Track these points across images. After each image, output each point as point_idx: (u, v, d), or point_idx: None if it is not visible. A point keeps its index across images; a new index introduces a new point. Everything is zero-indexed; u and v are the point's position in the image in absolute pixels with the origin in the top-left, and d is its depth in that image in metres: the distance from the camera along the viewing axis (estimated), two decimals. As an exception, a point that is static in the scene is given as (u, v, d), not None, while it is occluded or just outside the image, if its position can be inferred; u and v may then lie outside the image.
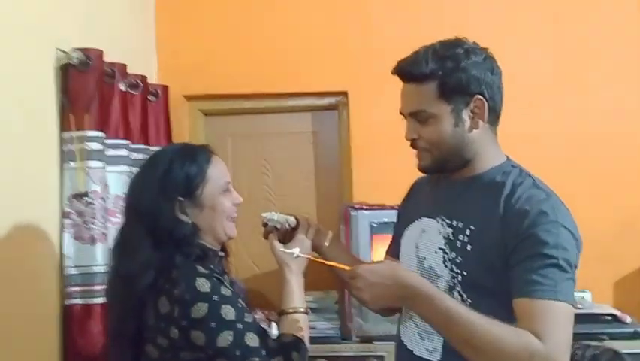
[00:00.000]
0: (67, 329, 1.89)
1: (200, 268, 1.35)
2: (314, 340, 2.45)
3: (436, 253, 1.38)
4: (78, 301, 1.90)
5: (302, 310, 1.46)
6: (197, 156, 1.45)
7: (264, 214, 1.55)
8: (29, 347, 1.76)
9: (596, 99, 2.82)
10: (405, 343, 1.45)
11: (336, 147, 3.07)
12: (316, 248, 1.62)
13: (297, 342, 1.39)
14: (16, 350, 1.68)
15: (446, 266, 1.35)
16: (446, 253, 1.36)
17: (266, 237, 1.59)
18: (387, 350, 2.42)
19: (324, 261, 1.40)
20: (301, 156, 3.10)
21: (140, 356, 1.37)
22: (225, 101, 3.05)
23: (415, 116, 1.37)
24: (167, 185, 1.39)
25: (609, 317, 2.47)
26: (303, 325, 1.44)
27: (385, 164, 2.78)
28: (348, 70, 2.91)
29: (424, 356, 1.39)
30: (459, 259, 1.33)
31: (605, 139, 2.81)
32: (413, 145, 1.40)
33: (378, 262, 1.32)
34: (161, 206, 1.37)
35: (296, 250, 1.44)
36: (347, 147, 2.96)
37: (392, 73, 1.39)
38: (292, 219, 1.58)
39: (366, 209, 2.56)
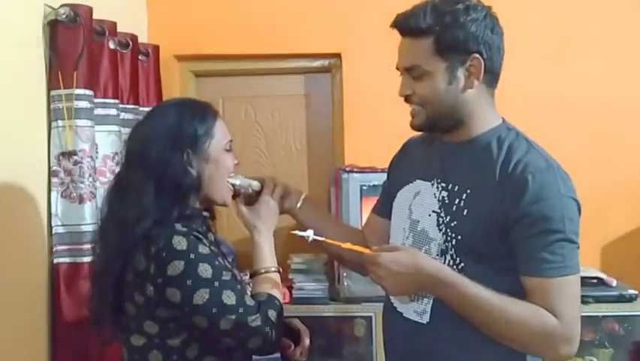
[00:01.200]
0: (56, 288, 1.90)
1: (178, 226, 1.34)
2: (303, 300, 2.56)
3: (429, 215, 1.37)
4: (66, 259, 1.90)
5: (273, 269, 1.47)
6: (205, 112, 1.46)
7: (227, 179, 1.52)
8: (18, 305, 1.77)
9: (591, 64, 2.81)
10: (394, 305, 1.46)
11: (328, 109, 3.05)
12: (288, 210, 1.60)
13: (272, 300, 1.39)
14: (5, 308, 1.69)
15: (440, 230, 1.35)
16: (441, 217, 1.35)
17: (233, 198, 1.56)
18: (374, 310, 2.45)
19: (340, 244, 1.34)
20: (293, 119, 3.09)
21: (119, 309, 1.38)
22: (217, 63, 3.02)
23: (410, 71, 1.33)
24: (178, 136, 1.40)
25: (595, 280, 2.50)
26: (276, 283, 1.45)
27: (378, 127, 2.77)
28: (342, 31, 2.88)
29: (412, 318, 1.40)
30: (454, 223, 1.33)
31: (600, 103, 2.81)
32: (407, 101, 1.37)
33: (398, 250, 1.29)
34: (171, 156, 1.38)
35: (309, 233, 1.39)
36: (340, 110, 2.95)
37: (390, 26, 1.35)
38: (255, 183, 1.55)
39: (356, 172, 2.56)
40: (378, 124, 2.79)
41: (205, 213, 1.49)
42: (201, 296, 1.29)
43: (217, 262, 1.35)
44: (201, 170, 1.42)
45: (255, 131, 3.09)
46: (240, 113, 3.09)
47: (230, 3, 2.90)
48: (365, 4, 2.85)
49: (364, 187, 2.50)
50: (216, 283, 1.30)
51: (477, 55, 1.29)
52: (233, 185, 1.51)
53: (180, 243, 1.30)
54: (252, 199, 1.56)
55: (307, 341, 1.60)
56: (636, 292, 2.47)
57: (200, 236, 1.37)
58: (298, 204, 1.61)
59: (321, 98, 3.08)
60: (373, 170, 2.53)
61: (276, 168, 3.07)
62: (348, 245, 1.35)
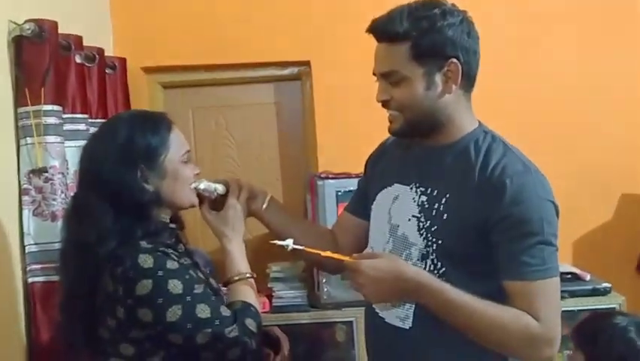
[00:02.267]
0: (31, 307, 1.86)
1: (143, 244, 1.31)
2: (282, 309, 2.55)
3: (409, 220, 1.37)
4: (40, 278, 1.86)
5: (247, 275, 1.44)
6: (158, 123, 1.42)
7: (191, 184, 1.49)
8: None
9: (557, 57, 2.87)
10: (377, 310, 1.45)
11: (299, 117, 3.06)
12: (254, 212, 1.58)
13: (248, 308, 1.36)
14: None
15: (421, 234, 1.35)
16: (421, 221, 1.35)
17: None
18: (355, 315, 2.46)
19: (320, 252, 1.33)
20: (265, 128, 3.09)
21: (92, 335, 1.35)
22: (185, 73, 3.00)
23: (387, 77, 1.33)
24: (130, 152, 1.35)
25: (569, 275, 2.55)
26: (250, 290, 1.42)
27: (350, 133, 2.79)
28: (311, 39, 2.89)
29: (395, 324, 1.40)
30: (434, 228, 1.33)
31: (567, 96, 2.86)
32: (384, 106, 1.37)
33: (378, 257, 1.30)
34: (124, 173, 1.34)
35: (289, 242, 1.36)
36: (311, 117, 2.95)
37: (366, 31, 1.34)
38: (220, 187, 1.51)
39: (331, 178, 2.57)
40: (349, 129, 2.80)
41: (172, 226, 1.46)
42: (174, 313, 1.26)
43: (187, 276, 1.32)
44: (158, 185, 1.39)
45: (227, 141, 3.08)
46: (211, 124, 3.08)
47: (196, 13, 2.88)
48: (333, 12, 2.86)
49: (340, 193, 2.51)
50: (188, 298, 1.28)
51: (454, 60, 1.30)
52: (197, 190, 1.47)
53: (146, 261, 1.27)
54: (217, 204, 1.52)
55: (287, 349, 1.58)
56: (610, 285, 2.53)
57: (169, 251, 1.35)
58: (264, 206, 1.58)
59: (291, 105, 3.08)
60: (348, 175, 2.54)
61: (249, 177, 2.98)
62: (328, 253, 1.34)
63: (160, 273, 1.27)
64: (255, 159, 3.09)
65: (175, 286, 1.27)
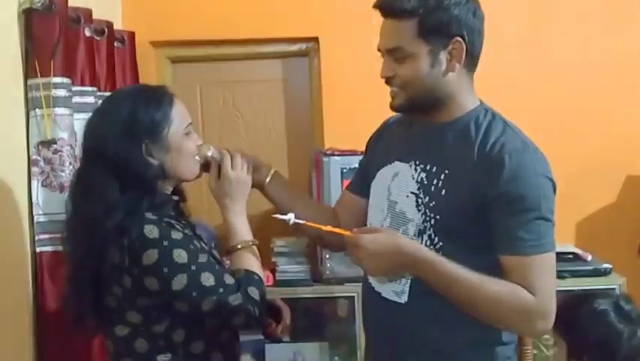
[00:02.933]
0: (39, 276, 1.90)
1: (149, 215, 1.34)
2: (286, 282, 2.58)
3: (407, 196, 1.39)
4: (48, 248, 1.89)
5: (249, 242, 1.46)
6: (160, 97, 1.43)
7: (198, 148, 1.50)
8: (1, 294, 1.76)
9: (563, 42, 2.86)
10: (373, 285, 1.48)
11: (307, 93, 3.06)
12: (257, 184, 1.59)
13: (251, 276, 1.39)
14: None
15: (419, 210, 1.37)
16: (419, 198, 1.37)
17: (205, 170, 1.54)
18: (357, 290, 2.44)
19: (321, 227, 1.35)
20: (272, 104, 3.09)
21: (99, 305, 1.37)
22: (193, 48, 3.00)
23: (392, 53, 1.34)
24: (134, 128, 1.36)
25: (571, 256, 2.57)
26: (253, 257, 1.44)
27: (357, 110, 2.79)
28: (319, 15, 2.88)
29: (391, 298, 1.42)
30: (432, 203, 1.35)
31: (573, 80, 2.86)
32: (388, 82, 1.38)
33: (377, 232, 1.32)
34: (129, 149, 1.35)
35: (290, 216, 1.38)
36: (318, 93, 2.95)
37: (373, 7, 1.35)
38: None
39: (337, 155, 2.58)
40: (356, 107, 2.80)
41: (175, 198, 1.48)
42: (180, 282, 1.29)
43: (192, 246, 1.35)
44: (163, 159, 1.40)
45: (234, 117, 3.09)
46: (218, 99, 3.09)
47: (205, -13, 2.88)
48: (341, -12, 2.84)
49: (345, 170, 2.52)
50: (193, 267, 1.31)
51: (459, 38, 1.31)
52: (205, 156, 1.49)
53: (152, 231, 1.30)
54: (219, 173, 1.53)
55: (288, 319, 1.61)
56: (611, 266, 2.54)
57: (173, 222, 1.37)
58: (267, 179, 1.60)
59: (298, 82, 3.09)
60: (353, 152, 2.55)
61: (256, 153, 3.01)
62: (329, 228, 1.36)
63: (165, 243, 1.30)
64: (262, 134, 3.10)
65: (180, 255, 1.30)
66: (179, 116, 1.44)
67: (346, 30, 2.83)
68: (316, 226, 1.37)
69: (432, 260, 1.28)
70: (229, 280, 1.35)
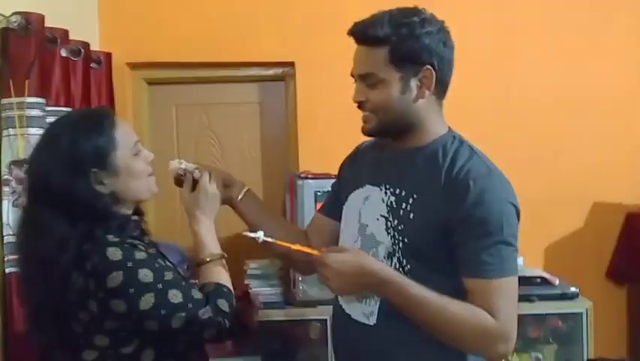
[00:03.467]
0: (8, 297, 1.88)
1: (111, 237, 1.32)
2: (259, 305, 2.56)
3: (377, 220, 1.41)
4: (17, 269, 1.87)
5: (218, 255, 1.46)
6: (100, 122, 1.38)
7: (171, 162, 1.52)
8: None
9: (531, 67, 2.93)
10: (343, 307, 1.49)
11: (282, 117, 3.09)
12: (229, 200, 1.60)
13: (220, 288, 1.39)
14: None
15: (388, 233, 1.38)
16: (389, 221, 1.39)
17: (177, 184, 1.56)
18: (329, 313, 2.42)
19: (290, 245, 1.38)
20: (248, 127, 3.11)
21: (64, 335, 1.35)
22: (170, 70, 3.02)
23: (365, 79, 1.37)
24: (76, 159, 1.33)
25: (539, 280, 2.61)
26: (222, 270, 1.44)
27: (331, 134, 2.82)
28: (296, 40, 2.92)
29: (360, 320, 1.43)
30: (401, 227, 1.36)
31: (541, 107, 2.92)
32: (360, 107, 1.41)
33: (344, 251, 1.34)
34: (73, 183, 1.32)
35: (260, 234, 1.39)
36: (294, 117, 2.98)
37: (347, 34, 1.38)
38: (197, 172, 1.54)
39: (311, 178, 2.59)
40: (331, 131, 2.83)
41: (135, 218, 1.46)
42: (147, 301, 1.28)
43: (157, 265, 1.34)
44: (114, 184, 1.37)
45: (210, 139, 3.10)
46: (194, 121, 3.10)
47: (183, 11, 2.91)
48: (318, 14, 2.90)
49: (319, 193, 2.54)
50: (160, 285, 1.30)
51: (429, 67, 1.34)
52: (176, 170, 1.50)
53: (115, 254, 1.28)
54: (192, 187, 1.55)
55: (258, 301, 1.60)
56: (577, 290, 2.59)
57: (135, 242, 1.36)
58: (240, 196, 1.61)
59: (274, 106, 3.11)
60: (327, 176, 2.56)
61: (232, 174, 3.08)
62: (297, 246, 1.38)
63: (129, 264, 1.29)
64: (238, 157, 3.11)
65: (146, 275, 1.29)
66: (124, 138, 1.39)
67: (322, 55, 2.87)
68: (285, 244, 1.39)
69: (396, 281, 1.29)
70: (197, 294, 1.34)
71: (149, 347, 1.35)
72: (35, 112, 1.93)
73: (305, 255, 1.37)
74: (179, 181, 1.54)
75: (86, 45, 2.41)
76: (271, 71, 3.05)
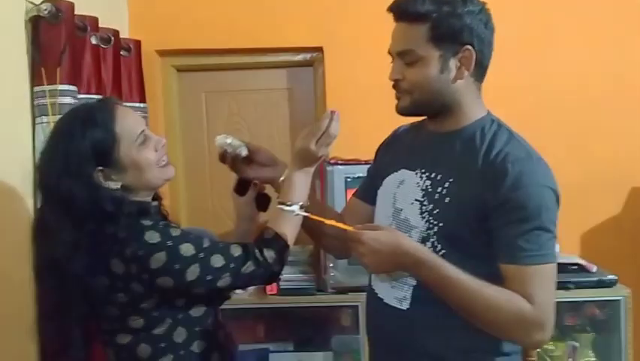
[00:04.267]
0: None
1: (145, 222, 1.32)
2: (289, 292, 2.58)
3: (412, 204, 1.40)
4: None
5: (298, 205, 1.44)
6: (97, 118, 1.34)
7: (218, 137, 1.51)
8: (4, 302, 1.78)
9: (567, 51, 2.86)
10: (376, 291, 1.49)
11: (311, 103, 3.07)
12: (272, 179, 1.59)
13: (275, 239, 1.40)
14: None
15: (423, 217, 1.37)
16: (424, 205, 1.38)
17: (222, 160, 1.56)
18: (360, 300, 2.45)
19: (324, 220, 1.37)
20: (277, 113, 3.10)
21: (89, 326, 1.37)
22: (199, 57, 3.02)
23: (403, 56, 1.35)
24: (75, 161, 1.30)
25: (575, 266, 2.56)
26: (291, 223, 1.44)
27: (361, 120, 2.78)
28: (324, 25, 2.89)
29: (392, 304, 1.42)
30: (436, 211, 1.35)
31: (578, 90, 2.85)
32: (395, 86, 1.39)
33: (380, 229, 1.31)
34: (74, 185, 1.30)
35: (295, 208, 1.40)
36: (322, 103, 2.96)
37: (387, 10, 1.36)
38: (244, 150, 1.53)
39: (341, 164, 2.58)
40: (360, 116, 2.80)
41: (154, 204, 1.46)
42: (193, 272, 1.30)
43: (192, 235, 1.35)
44: (124, 179, 1.37)
45: (239, 126, 3.10)
46: (223, 108, 3.10)
47: (211, -2, 2.90)
48: (347, -1, 2.86)
49: (349, 179, 2.53)
50: (201, 255, 1.32)
51: (470, 47, 1.32)
52: (224, 144, 1.48)
53: (152, 236, 1.30)
54: (236, 164, 1.55)
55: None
56: (615, 278, 2.53)
57: (167, 222, 1.39)
58: (282, 178, 1.57)
59: (303, 91, 3.09)
60: (357, 162, 2.55)
61: None
62: (332, 222, 1.38)
63: (169, 243, 1.30)
64: (267, 143, 3.04)
65: (186, 249, 1.31)
66: (126, 130, 1.35)
67: (351, 40, 2.85)
68: (319, 219, 1.39)
69: (431, 261, 1.27)
70: (237, 252, 1.36)
71: (180, 326, 1.38)
72: (67, 99, 1.94)
73: (338, 233, 1.36)
74: (223, 157, 1.53)
75: (116, 33, 2.42)
76: (300, 57, 3.03)
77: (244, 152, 1.53)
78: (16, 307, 1.83)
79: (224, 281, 1.34)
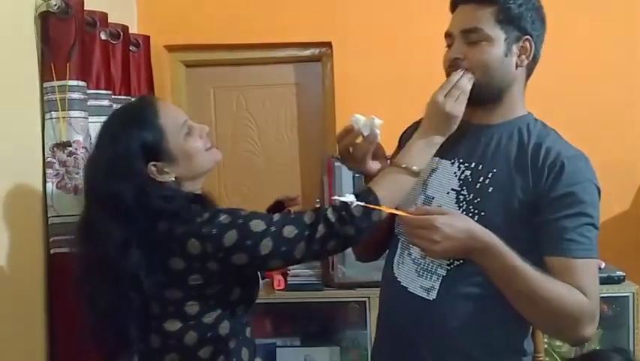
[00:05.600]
0: (53, 278, 1.91)
1: (218, 206, 1.39)
2: (297, 287, 2.59)
3: (448, 193, 1.40)
4: (62, 249, 1.90)
5: (412, 168, 1.34)
6: (142, 115, 1.38)
7: (352, 118, 1.41)
8: (16, 296, 1.79)
9: (577, 49, 2.85)
10: (399, 280, 1.46)
11: (319, 98, 3.07)
12: (367, 170, 1.46)
13: (362, 193, 1.33)
14: (3, 299, 1.72)
15: (460, 207, 1.37)
16: (462, 194, 1.38)
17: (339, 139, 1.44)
18: (368, 295, 2.49)
19: (382, 208, 1.31)
20: (285, 108, 3.11)
21: (144, 316, 1.37)
22: (207, 52, 3.03)
23: (468, 35, 1.34)
24: (126, 160, 1.34)
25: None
26: (395, 182, 1.36)
27: (369, 114, 2.79)
28: (332, 20, 2.89)
29: (417, 293, 1.40)
30: (477, 200, 1.35)
31: (587, 88, 2.84)
32: (452, 66, 1.35)
33: (448, 213, 1.25)
34: (122, 185, 1.32)
35: (352, 198, 1.30)
36: (331, 98, 2.96)
37: None
38: (377, 121, 1.40)
39: (349, 159, 2.57)
40: (368, 111, 2.73)
41: (205, 196, 1.49)
42: (266, 245, 1.31)
43: (259, 212, 1.37)
44: (176, 170, 1.39)
45: (247, 121, 3.11)
46: (231, 103, 3.11)
47: (219, -7, 2.91)
48: (354, -7, 2.86)
49: (357, 175, 2.52)
50: (272, 228, 1.32)
51: (529, 37, 1.35)
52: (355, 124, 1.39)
53: (225, 218, 1.32)
54: (360, 148, 1.42)
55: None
56: (623, 274, 2.53)
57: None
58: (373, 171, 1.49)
59: (311, 86, 3.10)
60: (365, 157, 2.55)
61: (269, 157, 3.10)
62: (390, 209, 1.33)
63: (240, 221, 1.32)
64: (275, 138, 3.12)
65: (256, 224, 1.32)
66: (170, 123, 1.39)
67: (359, 35, 2.84)
68: (377, 207, 1.31)
69: (501, 247, 1.24)
70: (309, 218, 1.34)
71: (225, 319, 1.40)
72: (77, 95, 1.94)
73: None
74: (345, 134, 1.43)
75: (125, 28, 2.42)
76: (308, 52, 3.03)
77: (378, 124, 1.41)
78: (28, 306, 1.86)
79: (299, 251, 1.32)
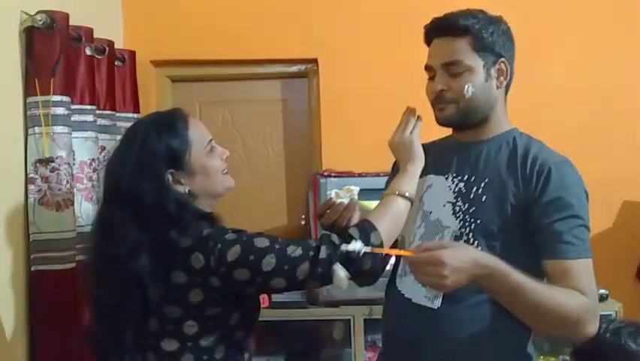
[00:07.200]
0: (34, 295, 1.89)
1: (227, 226, 1.39)
2: (281, 305, 2.57)
3: (444, 206, 1.46)
4: (44, 267, 1.89)
5: (402, 195, 1.45)
6: (174, 123, 1.41)
7: (333, 197, 1.47)
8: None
9: (559, 63, 2.89)
10: (403, 292, 1.49)
11: (306, 114, 3.08)
12: (341, 226, 1.48)
13: (363, 226, 1.37)
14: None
15: (457, 217, 1.42)
16: (457, 206, 1.43)
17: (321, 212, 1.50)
18: (353, 313, 2.48)
19: (385, 250, 1.37)
20: (271, 124, 3.11)
21: (142, 328, 1.36)
22: (193, 68, 3.03)
23: (449, 67, 1.41)
24: (150, 162, 1.36)
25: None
26: (389, 211, 1.43)
27: (355, 132, 2.80)
28: (318, 37, 2.90)
29: (422, 303, 1.43)
30: (472, 209, 1.41)
31: (570, 102, 2.86)
32: (438, 98, 1.44)
33: (448, 246, 1.25)
34: (144, 185, 1.34)
35: (361, 247, 1.30)
36: (317, 114, 2.97)
37: (428, 27, 1.45)
38: (355, 189, 1.49)
39: (334, 176, 2.58)
40: (354, 128, 2.81)
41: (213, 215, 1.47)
42: (269, 262, 1.30)
43: (266, 234, 1.37)
44: (191, 183, 1.41)
45: (233, 137, 3.10)
46: (217, 119, 3.10)
47: (206, 8, 2.91)
48: (340, 11, 2.87)
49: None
50: (277, 246, 1.33)
51: (504, 59, 1.43)
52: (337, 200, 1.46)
53: (231, 236, 1.33)
54: (343, 215, 1.47)
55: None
56: (607, 292, 2.54)
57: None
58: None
59: (297, 103, 3.10)
60: (350, 174, 2.56)
61: (254, 173, 3.09)
62: (392, 251, 1.42)
63: (244, 238, 1.33)
64: (261, 154, 3.11)
65: (261, 241, 1.33)
66: (198, 137, 1.42)
67: (345, 52, 2.86)
68: (382, 250, 1.36)
69: (505, 269, 1.25)
70: (314, 241, 1.36)
71: (221, 344, 1.39)
72: (60, 110, 1.93)
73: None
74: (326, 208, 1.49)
75: (111, 43, 2.42)
76: (294, 68, 3.04)
77: (347, 200, 1.47)
78: (8, 324, 1.83)
79: (302, 271, 1.31)
